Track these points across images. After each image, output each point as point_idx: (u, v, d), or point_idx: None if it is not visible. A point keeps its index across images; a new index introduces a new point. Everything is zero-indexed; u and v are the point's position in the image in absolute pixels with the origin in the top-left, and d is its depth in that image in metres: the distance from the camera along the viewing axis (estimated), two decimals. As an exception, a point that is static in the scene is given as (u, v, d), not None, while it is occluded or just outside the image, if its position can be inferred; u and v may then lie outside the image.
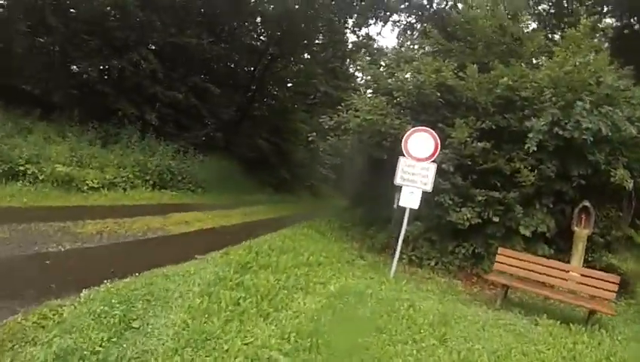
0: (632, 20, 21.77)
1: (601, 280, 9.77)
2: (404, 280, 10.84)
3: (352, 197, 21.33)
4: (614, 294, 9.73)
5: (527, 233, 12.23)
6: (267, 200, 26.01)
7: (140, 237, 10.82)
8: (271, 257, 9.92)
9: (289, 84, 34.65)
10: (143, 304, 6.19)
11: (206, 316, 6.02)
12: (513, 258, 10.63)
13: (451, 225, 12.48)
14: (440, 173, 11.64)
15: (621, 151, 12.42)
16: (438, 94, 13.31)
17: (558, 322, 8.80)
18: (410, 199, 10.94)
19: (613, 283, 9.65)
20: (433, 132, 11.21)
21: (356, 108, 14.08)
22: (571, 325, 8.64)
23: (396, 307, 8.10)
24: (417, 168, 10.98)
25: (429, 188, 10.89)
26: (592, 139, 11.48)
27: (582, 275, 10.13)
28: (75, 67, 21.39)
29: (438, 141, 11.07)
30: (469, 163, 12.56)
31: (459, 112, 13.24)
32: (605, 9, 21.38)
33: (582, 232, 12.40)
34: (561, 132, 11.70)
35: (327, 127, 15.02)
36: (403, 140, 11.33)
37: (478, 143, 12.38)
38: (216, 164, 24.06)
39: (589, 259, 12.62)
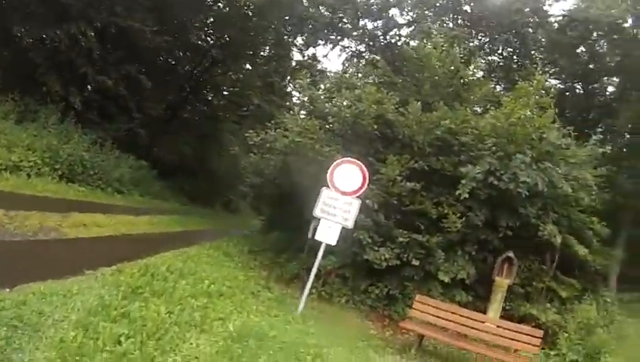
0: (574, 84, 22.40)
1: (525, 334, 9.69)
2: (312, 319, 10.19)
3: (266, 220, 20.09)
4: (538, 348, 9.70)
5: (446, 279, 11.94)
6: (181, 209, 24.84)
7: (30, 238, 9.70)
8: (167, 282, 8.86)
9: (225, 92, 33.71)
10: (8, 331, 5.13)
11: (77, 357, 5.05)
12: (430, 306, 10.29)
13: (367, 264, 11.98)
14: (362, 209, 11.10)
15: (552, 207, 12.51)
16: (375, 126, 12.91)
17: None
18: (327, 234, 10.35)
19: (537, 337, 9.61)
20: (363, 166, 10.73)
21: (286, 128, 13.52)
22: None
23: (301, 356, 7.36)
24: (340, 202, 10.43)
25: (350, 224, 10.37)
26: (527, 193, 11.42)
27: (499, 327, 10.03)
28: (15, 27, 19.55)
29: (367, 176, 10.60)
30: (395, 202, 12.19)
31: (393, 148, 12.90)
32: (552, 70, 21.85)
33: (503, 282, 12.23)
34: (496, 182, 11.56)
35: (251, 143, 14.26)
36: (329, 170, 10.77)
37: (408, 183, 12.04)
38: (133, 163, 22.67)
39: (507, 307, 12.46)
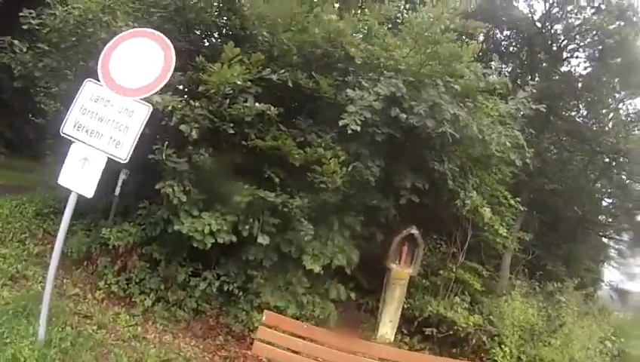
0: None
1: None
2: (69, 351, 5.02)
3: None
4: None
5: (316, 268, 6.94)
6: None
7: None
8: None
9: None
10: None
11: None
12: (289, 333, 5.35)
13: (184, 239, 6.52)
14: (174, 138, 6.15)
15: (470, 169, 8.56)
16: (217, 12, 7.62)
17: None
18: (79, 173, 4.85)
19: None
20: (166, 40, 5.17)
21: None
22: None
23: None
24: (113, 109, 4.92)
25: (123, 153, 4.86)
26: (455, 135, 6.97)
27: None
28: None
29: (173, 57, 5.05)
30: (232, 132, 6.60)
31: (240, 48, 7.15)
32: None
33: (402, 272, 8.02)
34: (403, 116, 6.85)
35: (28, 27, 7.74)
36: (104, 50, 5.20)
37: (257, 104, 6.54)
38: None
39: (406, 306, 8.32)
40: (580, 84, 15.69)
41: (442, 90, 7.03)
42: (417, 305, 8.55)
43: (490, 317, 8.95)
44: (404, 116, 6.81)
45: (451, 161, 7.86)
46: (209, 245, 6.36)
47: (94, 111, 4.90)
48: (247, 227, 6.52)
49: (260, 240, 6.50)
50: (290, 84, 6.97)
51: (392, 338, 7.88)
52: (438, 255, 9.48)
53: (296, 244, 6.91)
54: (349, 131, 6.37)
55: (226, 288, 7.01)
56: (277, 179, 6.77)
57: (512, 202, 10.02)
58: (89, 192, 4.79)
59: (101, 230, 7.12)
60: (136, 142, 4.81)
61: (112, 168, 7.46)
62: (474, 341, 8.35)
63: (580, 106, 16.66)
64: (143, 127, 4.82)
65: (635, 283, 19.91)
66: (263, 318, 5.15)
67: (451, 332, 8.29)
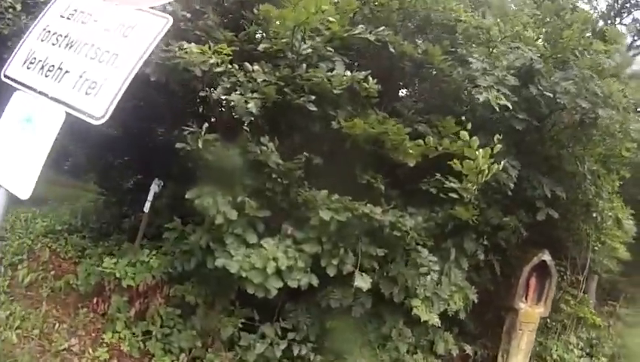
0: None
1: None
2: None
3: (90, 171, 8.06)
4: None
5: (433, 319, 4.34)
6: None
7: None
8: None
9: None
10: None
11: None
12: None
13: (233, 278, 3.89)
14: (219, 120, 4.07)
15: (598, 172, 6.10)
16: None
17: None
18: (14, 151, 2.14)
19: None
20: None
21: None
22: None
23: None
24: (98, 24, 2.22)
25: (97, 107, 1.99)
26: (616, 117, 4.95)
27: None
28: None
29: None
30: (314, 109, 3.79)
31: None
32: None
33: (532, 313, 5.72)
34: (549, 96, 4.58)
35: None
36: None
37: (348, 72, 3.92)
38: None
39: None
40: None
41: (587, 62, 4.83)
42: (536, 351, 6.22)
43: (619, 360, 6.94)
44: (550, 95, 4.39)
45: (590, 159, 5.65)
46: (274, 291, 3.73)
47: (63, 34, 2.29)
48: (334, 262, 3.84)
49: (359, 283, 3.78)
50: (392, 50, 4.31)
51: (515, 404, 5.34)
52: (561, 285, 6.85)
53: (401, 284, 4.24)
54: (497, 108, 3.80)
55: (296, 351, 4.31)
56: (375, 183, 4.07)
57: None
58: (24, 191, 2.08)
59: (108, 260, 4.58)
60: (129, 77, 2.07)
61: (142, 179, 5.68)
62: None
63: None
64: (147, 54, 2.11)
65: None
66: None
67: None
